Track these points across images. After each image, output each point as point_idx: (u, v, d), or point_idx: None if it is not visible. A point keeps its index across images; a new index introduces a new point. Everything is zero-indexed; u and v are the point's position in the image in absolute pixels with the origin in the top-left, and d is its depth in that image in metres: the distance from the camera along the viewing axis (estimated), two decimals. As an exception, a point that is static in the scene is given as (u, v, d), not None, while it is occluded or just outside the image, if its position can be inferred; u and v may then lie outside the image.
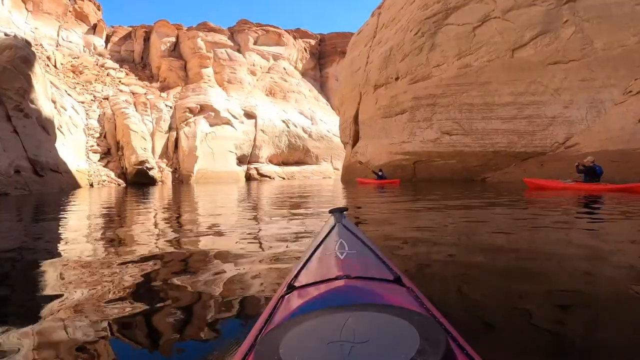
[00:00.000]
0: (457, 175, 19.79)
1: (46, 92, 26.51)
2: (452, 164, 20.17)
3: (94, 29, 59.35)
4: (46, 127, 24.38)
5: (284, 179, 48.75)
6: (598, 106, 17.06)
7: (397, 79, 23.49)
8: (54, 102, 29.79)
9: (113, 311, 1.85)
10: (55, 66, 47.75)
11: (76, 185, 29.22)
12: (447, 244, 3.41)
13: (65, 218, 6.84)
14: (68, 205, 10.09)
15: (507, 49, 19.56)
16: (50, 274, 2.68)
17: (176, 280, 2.36)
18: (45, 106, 24.88)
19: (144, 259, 2.95)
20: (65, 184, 25.55)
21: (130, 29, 62.04)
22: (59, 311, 1.87)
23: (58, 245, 4.04)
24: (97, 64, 53.77)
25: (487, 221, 4.91)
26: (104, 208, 9.06)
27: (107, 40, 59.66)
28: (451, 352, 0.56)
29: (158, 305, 1.94)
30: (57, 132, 30.57)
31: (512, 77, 19.21)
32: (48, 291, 2.27)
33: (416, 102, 21.77)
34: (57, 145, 29.18)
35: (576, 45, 17.77)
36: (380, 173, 20.99)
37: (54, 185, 22.81)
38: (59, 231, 5.21)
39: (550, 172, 15.89)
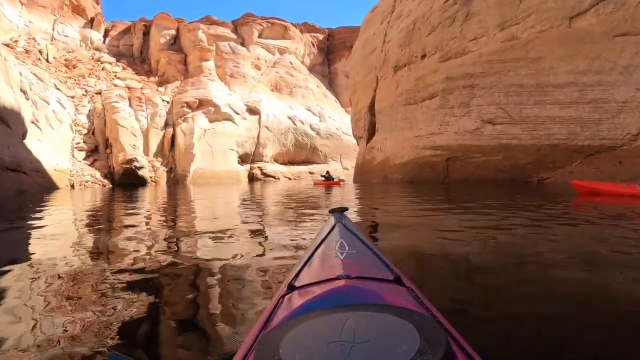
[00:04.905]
0: (502, 175, 16.00)
1: (9, 80, 22.94)
2: (497, 161, 16.40)
3: (91, 22, 57.52)
4: (6, 120, 20.76)
5: (290, 179, 46.23)
6: (679, 88, 13.73)
7: (423, 56, 19.61)
8: (24, 92, 26.19)
9: (112, 314, 1.85)
10: (47, 60, 45.64)
11: (51, 187, 26.07)
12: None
13: None
14: None
15: (563, 17, 15.96)
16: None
17: (173, 282, 2.40)
18: (5, 96, 21.23)
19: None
20: (30, 186, 22.05)
21: (130, 23, 59.98)
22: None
23: None
24: (92, 58, 51.46)
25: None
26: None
27: (105, 35, 57.57)
28: (451, 351, 0.57)
29: (157, 307, 1.96)
30: (33, 126, 27.50)
31: (570, 51, 15.63)
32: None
33: (449, 84, 17.98)
34: (31, 141, 26.32)
35: (646, 13, 14.26)
36: (326, 175, 23.26)
37: (9, 188, 19.22)
38: None
39: (632, 171, 12.77)
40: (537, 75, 15.98)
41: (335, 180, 22.65)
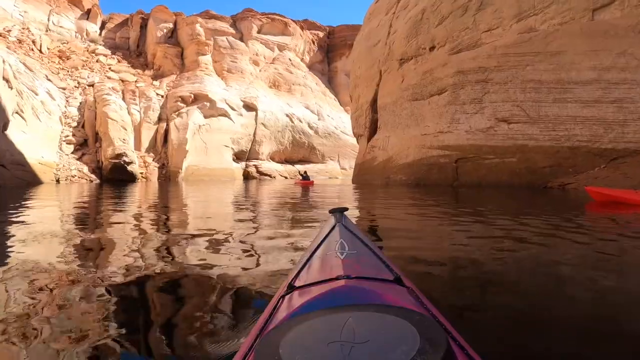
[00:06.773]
0: (517, 179, 14.67)
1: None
2: (511, 164, 15.07)
3: (87, 14, 56.40)
4: (-19, 108, 19.31)
5: (286, 178, 44.97)
6: None
7: (432, 48, 18.22)
8: (7, 80, 24.71)
9: (109, 318, 1.79)
10: (40, 51, 44.31)
11: (34, 181, 24.75)
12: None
13: None
14: None
15: (585, 9, 14.73)
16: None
17: (171, 283, 2.35)
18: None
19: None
20: (9, 180, 20.77)
21: (128, 16, 58.92)
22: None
23: None
24: (87, 50, 50.21)
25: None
26: None
27: (102, 27, 56.32)
28: (451, 352, 0.57)
29: (157, 308, 1.94)
30: (17, 117, 26.11)
31: (593, 45, 14.37)
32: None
33: (460, 78, 16.63)
34: (15, 132, 25.03)
35: (674, 6, 13.19)
36: (304, 174, 24.09)
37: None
38: None
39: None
40: (557, 71, 14.70)
41: (309, 180, 23.27)
